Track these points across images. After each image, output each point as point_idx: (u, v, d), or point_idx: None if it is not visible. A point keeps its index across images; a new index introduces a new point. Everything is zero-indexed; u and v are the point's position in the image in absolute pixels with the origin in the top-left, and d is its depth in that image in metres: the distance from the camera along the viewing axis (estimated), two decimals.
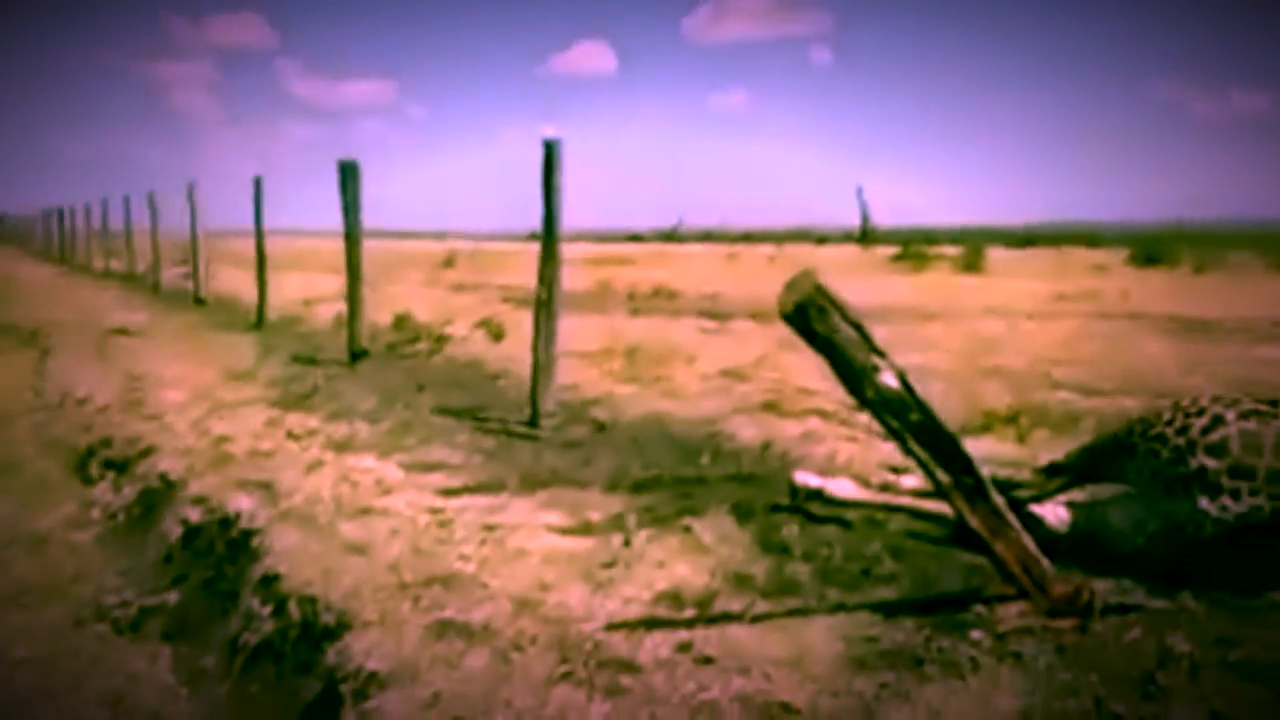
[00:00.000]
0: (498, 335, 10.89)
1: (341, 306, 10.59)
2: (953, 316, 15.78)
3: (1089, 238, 55.88)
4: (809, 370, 9.45)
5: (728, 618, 3.51)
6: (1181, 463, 3.93)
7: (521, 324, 13.08)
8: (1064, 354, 10.88)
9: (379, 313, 13.15)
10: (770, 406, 7.42)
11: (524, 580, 3.80)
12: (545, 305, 6.85)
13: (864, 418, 6.92)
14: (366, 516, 4.58)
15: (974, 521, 3.40)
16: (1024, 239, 58.57)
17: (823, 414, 7.06)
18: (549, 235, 6.81)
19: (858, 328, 3.07)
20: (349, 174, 9.61)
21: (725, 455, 5.99)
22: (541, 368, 6.83)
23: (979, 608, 3.59)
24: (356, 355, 9.71)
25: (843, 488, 4.76)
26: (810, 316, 3.03)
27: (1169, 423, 4.07)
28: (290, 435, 6.20)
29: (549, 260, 6.83)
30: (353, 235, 9.78)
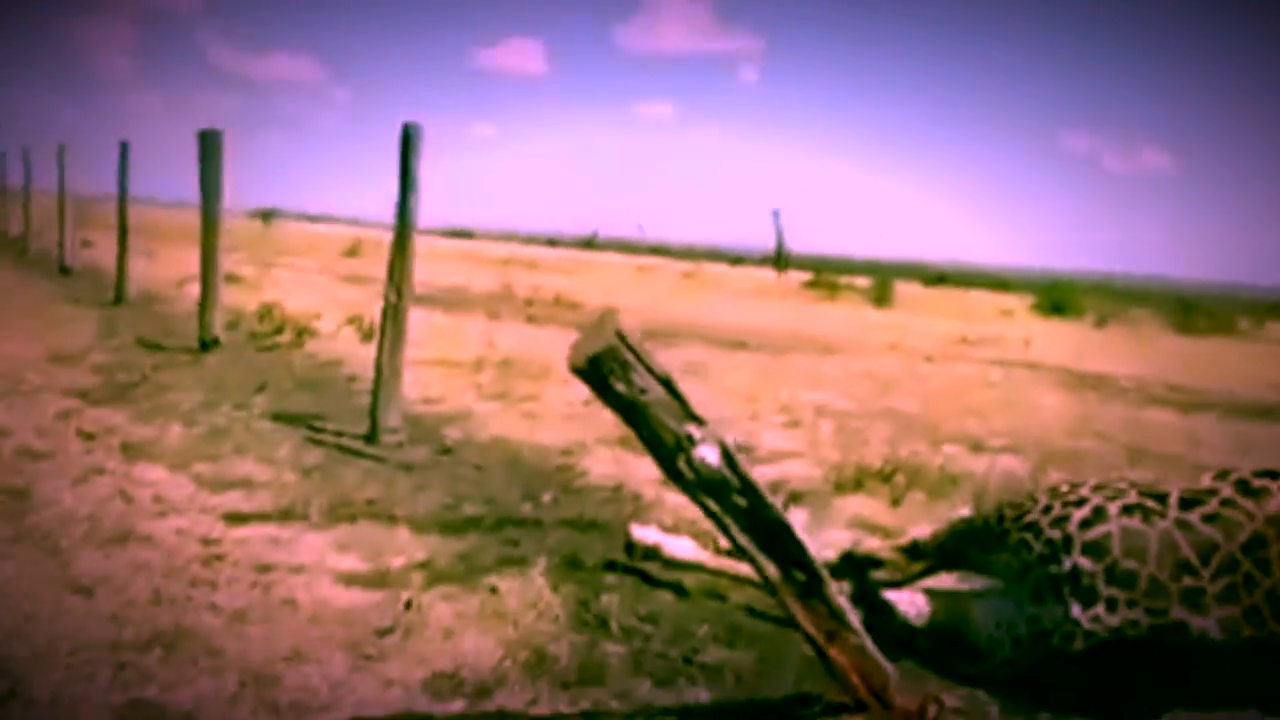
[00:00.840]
0: (367, 334, 10.15)
1: (223, 288, 9.78)
2: (854, 351, 15.44)
3: (998, 282, 56.85)
4: (692, 400, 8.96)
5: (503, 718, 2.90)
6: (1055, 560, 3.42)
7: (417, 325, 12.43)
8: (957, 402, 10.52)
9: (253, 298, 12.37)
10: (628, 441, 6.83)
11: (274, 645, 3.15)
12: (393, 309, 6.20)
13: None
14: (121, 544, 3.88)
15: (806, 623, 2.84)
16: (935, 277, 59.36)
17: None
18: (401, 232, 6.14)
19: (668, 385, 2.48)
20: (209, 145, 8.81)
21: (571, 494, 5.41)
22: (385, 379, 6.18)
23: None
24: (206, 344, 8.92)
25: (683, 548, 4.19)
26: (608, 372, 2.42)
27: (1045, 510, 3.56)
28: (81, 434, 5.44)
29: (400, 259, 6.17)
30: (210, 213, 8.97)
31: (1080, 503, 3.51)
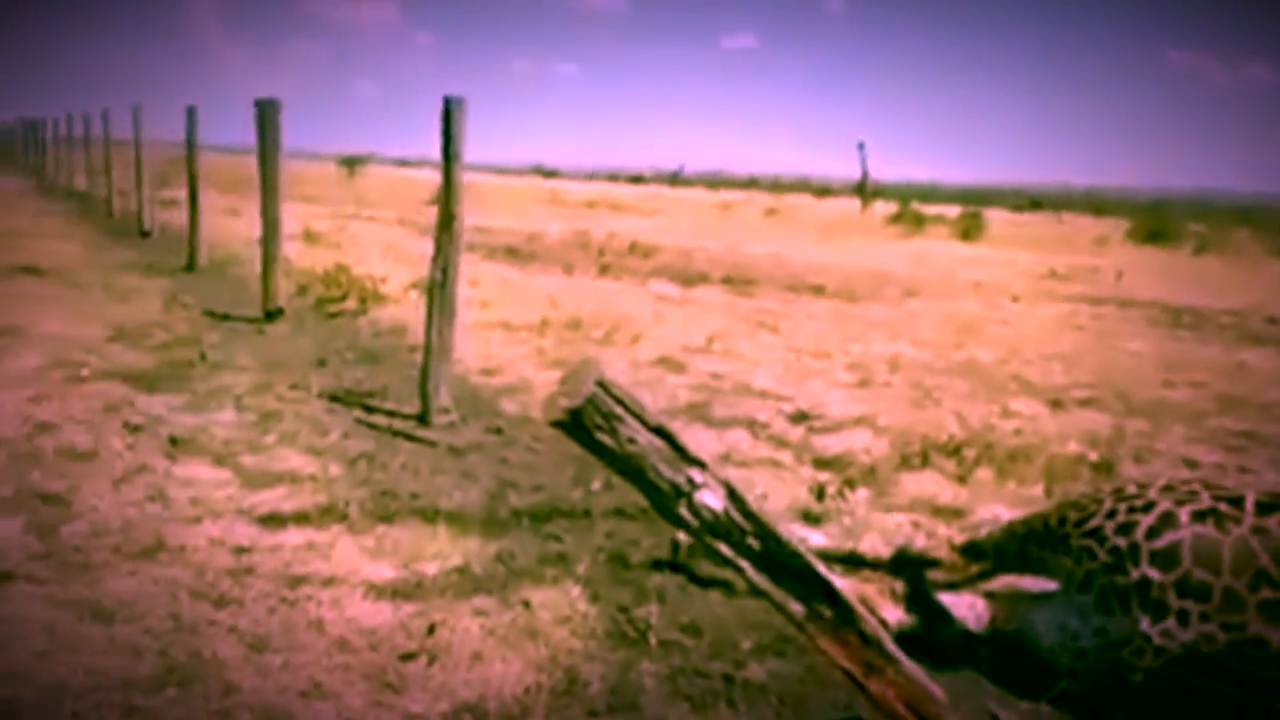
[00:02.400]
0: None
1: (299, 247, 9.78)
2: (936, 293, 15.01)
3: (1095, 205, 55.09)
4: (761, 358, 8.72)
5: None
6: (1120, 570, 3.15)
7: (480, 281, 12.34)
8: (1040, 348, 10.12)
9: (328, 257, 12.33)
10: (695, 410, 6.64)
11: (293, 677, 3.03)
12: (440, 287, 6.03)
13: (798, 433, 6.22)
14: (152, 559, 3.80)
15: (840, 658, 2.63)
16: (1030, 202, 57.70)
17: (752, 425, 6.28)
18: (447, 206, 5.96)
19: (661, 434, 2.26)
20: (267, 114, 8.72)
21: (618, 483, 5.21)
22: (434, 357, 6.03)
23: None
24: (270, 315, 8.90)
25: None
26: (592, 426, 2.21)
27: (1110, 514, 3.28)
28: (127, 427, 5.40)
29: (446, 235, 6.00)
30: (269, 180, 8.89)
31: (1148, 507, 3.22)
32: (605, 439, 2.19)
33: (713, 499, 2.29)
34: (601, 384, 2.15)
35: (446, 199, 5.96)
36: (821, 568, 2.55)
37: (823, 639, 2.64)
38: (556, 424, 2.22)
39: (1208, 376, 9.19)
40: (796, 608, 2.55)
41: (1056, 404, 7.46)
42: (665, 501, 2.28)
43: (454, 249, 5.99)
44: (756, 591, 2.48)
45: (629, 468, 2.25)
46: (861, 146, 43.80)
